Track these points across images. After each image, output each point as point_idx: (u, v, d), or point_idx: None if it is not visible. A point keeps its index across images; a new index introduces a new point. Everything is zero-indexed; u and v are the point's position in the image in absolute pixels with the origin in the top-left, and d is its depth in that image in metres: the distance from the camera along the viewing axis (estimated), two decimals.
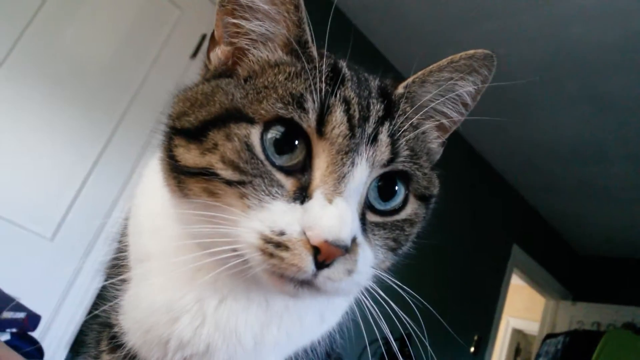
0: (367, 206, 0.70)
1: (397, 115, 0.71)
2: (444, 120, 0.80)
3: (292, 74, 0.69)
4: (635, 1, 2.74)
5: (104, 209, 2.57)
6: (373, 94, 0.71)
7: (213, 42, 0.76)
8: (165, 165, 0.72)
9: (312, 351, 0.81)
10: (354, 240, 0.64)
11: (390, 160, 0.69)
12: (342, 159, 0.65)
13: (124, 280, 0.79)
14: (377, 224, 0.71)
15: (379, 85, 0.74)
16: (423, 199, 0.76)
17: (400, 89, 0.75)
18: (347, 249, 0.62)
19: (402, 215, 0.73)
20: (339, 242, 0.61)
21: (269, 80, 0.69)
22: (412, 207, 0.74)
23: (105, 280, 0.82)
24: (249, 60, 0.73)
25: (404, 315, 0.71)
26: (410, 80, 0.76)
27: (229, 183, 0.64)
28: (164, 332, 0.72)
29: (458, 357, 4.61)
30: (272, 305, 0.74)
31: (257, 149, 0.65)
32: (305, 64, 0.69)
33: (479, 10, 3.16)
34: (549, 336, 5.46)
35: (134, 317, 0.76)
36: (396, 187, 0.72)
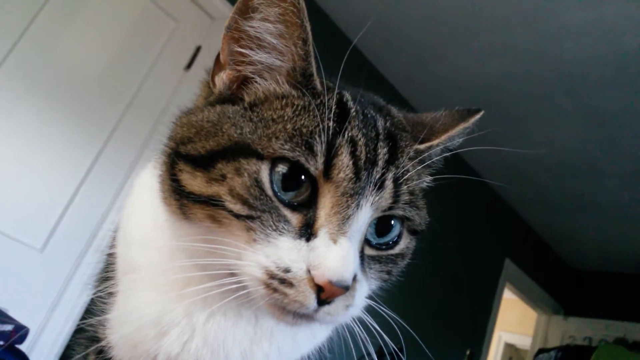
0: (365, 241, 0.71)
1: (402, 161, 0.72)
2: (430, 162, 0.84)
3: (299, 108, 0.69)
4: (626, 19, 2.78)
5: (95, 220, 2.56)
6: (380, 136, 0.72)
7: (218, 65, 0.75)
8: (167, 186, 0.72)
9: None
10: (354, 278, 0.66)
11: (392, 206, 0.71)
12: (347, 201, 0.66)
13: (111, 294, 0.78)
14: (373, 258, 0.73)
15: (386, 126, 0.74)
16: (414, 233, 0.79)
17: (422, 147, 0.78)
18: (348, 288, 0.64)
19: (396, 249, 0.75)
20: (342, 283, 0.63)
21: (277, 113, 0.69)
22: (405, 242, 0.77)
23: (93, 294, 0.82)
24: (255, 88, 0.73)
25: (386, 338, 0.73)
26: (434, 143, 0.79)
27: (236, 216, 0.65)
28: (152, 347, 0.72)
29: None
30: (262, 322, 0.75)
31: (266, 185, 0.65)
32: (312, 99, 0.69)
33: (472, 25, 3.19)
34: (541, 351, 5.45)
35: (122, 331, 0.75)
36: (392, 223, 0.74)
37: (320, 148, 0.65)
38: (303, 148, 0.65)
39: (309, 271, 0.63)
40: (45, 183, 2.49)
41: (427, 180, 0.82)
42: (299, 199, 0.66)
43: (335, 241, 0.64)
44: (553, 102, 3.61)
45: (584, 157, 4.07)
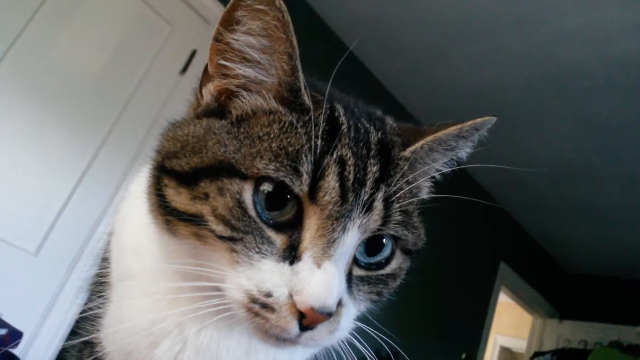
0: (354, 260, 0.69)
1: (394, 178, 0.69)
2: (437, 175, 0.80)
3: (287, 125, 0.66)
4: (620, 24, 2.79)
5: (89, 224, 2.55)
6: (372, 152, 0.69)
7: (206, 76, 0.73)
8: (153, 199, 0.70)
9: None
10: (339, 302, 0.64)
11: (382, 226, 0.68)
12: (332, 224, 0.63)
13: (106, 299, 0.77)
14: (362, 279, 0.70)
15: (379, 139, 0.71)
16: (409, 252, 0.75)
17: (406, 153, 0.73)
18: (331, 314, 0.62)
19: (387, 269, 0.73)
20: (324, 310, 0.61)
21: (263, 130, 0.66)
22: (397, 262, 0.74)
23: (88, 298, 0.81)
24: (242, 103, 0.71)
25: (370, 352, 0.71)
26: (418, 145, 0.74)
27: (219, 237, 0.63)
28: (144, 357, 0.71)
29: None
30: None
31: (250, 206, 0.63)
32: (300, 116, 0.67)
33: (467, 30, 3.21)
34: (537, 354, 5.45)
35: (115, 338, 0.74)
36: (384, 241, 0.71)
37: (306, 169, 0.63)
38: (288, 168, 0.63)
39: (291, 296, 0.61)
40: (39, 187, 2.48)
41: (425, 189, 0.79)
42: (284, 219, 0.64)
43: (319, 265, 0.62)
44: (548, 106, 3.62)
45: (579, 161, 4.08)
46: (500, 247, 5.17)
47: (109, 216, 2.52)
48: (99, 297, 0.78)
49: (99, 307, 0.77)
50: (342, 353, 0.72)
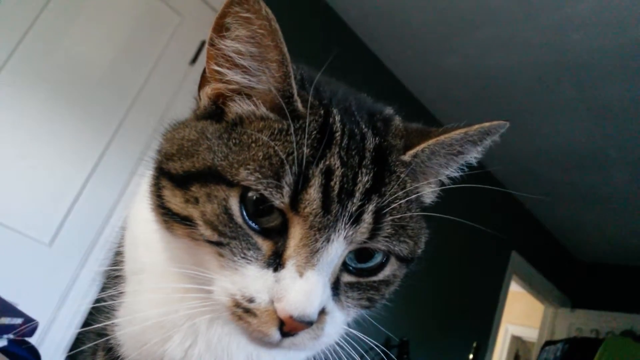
0: (343, 266, 0.68)
1: (389, 187, 0.67)
2: (445, 179, 0.78)
3: (276, 132, 0.66)
4: (633, 9, 2.75)
5: (102, 214, 2.57)
6: (365, 161, 0.67)
7: (204, 78, 0.74)
8: (154, 199, 0.71)
9: None
10: (322, 310, 0.64)
11: (370, 239, 0.66)
12: (314, 235, 0.62)
13: (120, 292, 0.78)
14: (351, 285, 0.69)
15: (376, 145, 0.69)
16: (405, 260, 0.73)
17: (406, 157, 0.71)
18: (312, 323, 0.62)
19: (380, 276, 0.71)
20: (303, 319, 0.61)
21: (253, 138, 0.66)
22: (391, 269, 0.72)
23: (102, 291, 0.82)
24: (235, 108, 0.71)
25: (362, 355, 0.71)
26: (419, 149, 0.71)
27: (208, 241, 0.64)
28: (157, 351, 0.72)
29: None
30: None
31: (236, 213, 0.64)
32: (291, 122, 0.66)
33: (476, 17, 3.17)
34: (548, 343, 5.44)
35: (129, 331, 0.75)
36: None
37: (287, 180, 0.62)
38: (270, 180, 0.62)
39: (272, 302, 0.61)
40: (53, 178, 2.50)
41: (427, 194, 0.77)
42: (271, 224, 0.64)
43: (301, 274, 0.62)
44: (560, 94, 3.58)
45: (591, 149, 4.04)
46: (511, 235, 5.15)
47: (122, 206, 2.55)
48: (114, 290, 0.79)
49: (113, 300, 0.79)
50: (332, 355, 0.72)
